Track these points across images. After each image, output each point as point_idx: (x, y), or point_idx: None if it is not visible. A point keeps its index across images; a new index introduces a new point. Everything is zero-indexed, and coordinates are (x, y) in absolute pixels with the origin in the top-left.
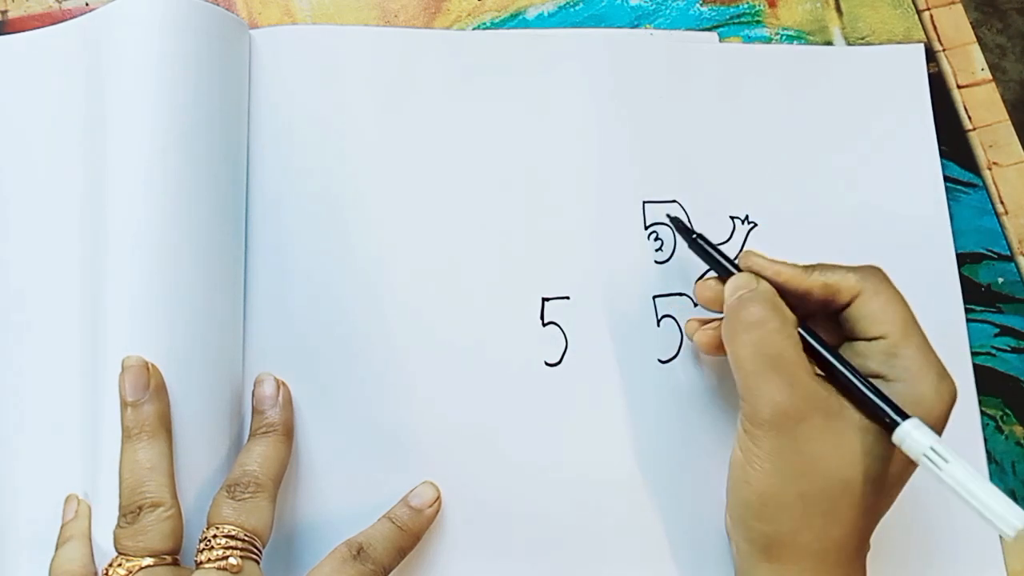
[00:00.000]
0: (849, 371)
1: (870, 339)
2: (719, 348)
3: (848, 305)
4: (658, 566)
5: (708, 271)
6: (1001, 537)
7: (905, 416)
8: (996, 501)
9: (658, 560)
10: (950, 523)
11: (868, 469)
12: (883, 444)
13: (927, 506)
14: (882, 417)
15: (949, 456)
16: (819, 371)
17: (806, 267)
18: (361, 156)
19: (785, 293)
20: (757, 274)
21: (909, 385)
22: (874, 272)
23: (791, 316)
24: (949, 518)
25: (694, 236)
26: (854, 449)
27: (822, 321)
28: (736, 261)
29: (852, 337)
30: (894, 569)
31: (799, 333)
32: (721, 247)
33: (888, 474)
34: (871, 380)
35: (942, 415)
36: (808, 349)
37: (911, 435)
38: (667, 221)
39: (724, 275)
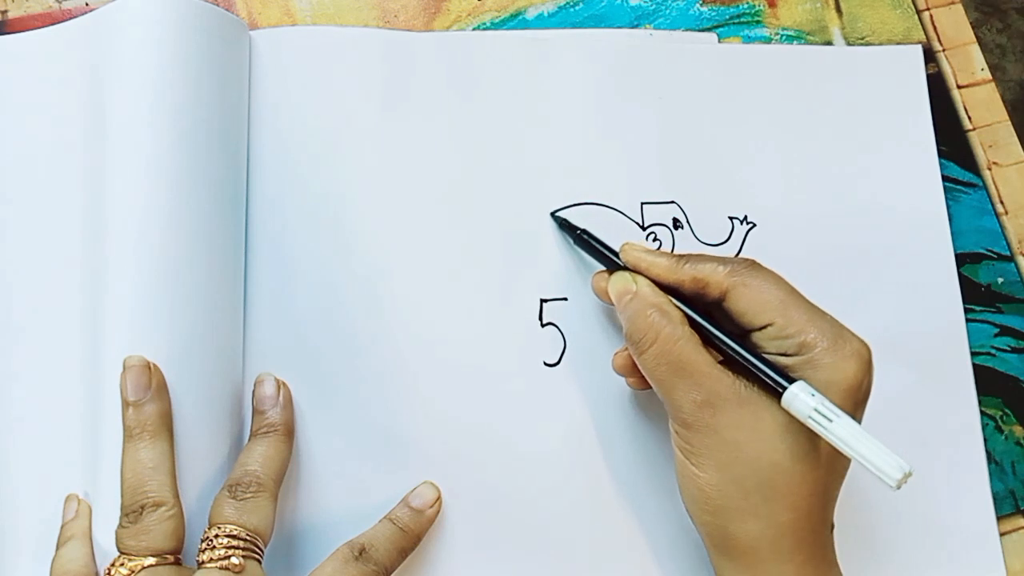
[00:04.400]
0: (732, 345)
1: (760, 328)
2: (635, 370)
3: (723, 299)
4: (660, 564)
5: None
6: (892, 486)
7: (791, 380)
8: (878, 455)
9: (660, 558)
10: (950, 523)
11: (793, 446)
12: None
13: (927, 506)
14: (772, 387)
15: (833, 415)
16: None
17: (679, 258)
18: (361, 156)
19: (660, 286)
20: (634, 268)
21: (808, 358)
22: (745, 264)
23: (676, 313)
24: (949, 518)
25: (578, 232)
26: (772, 429)
27: (717, 313)
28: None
29: (747, 329)
30: (895, 569)
31: (688, 316)
32: (720, 247)
33: (820, 449)
34: (782, 365)
35: (856, 373)
36: (703, 336)
37: (798, 397)
38: (560, 218)
39: (611, 268)
